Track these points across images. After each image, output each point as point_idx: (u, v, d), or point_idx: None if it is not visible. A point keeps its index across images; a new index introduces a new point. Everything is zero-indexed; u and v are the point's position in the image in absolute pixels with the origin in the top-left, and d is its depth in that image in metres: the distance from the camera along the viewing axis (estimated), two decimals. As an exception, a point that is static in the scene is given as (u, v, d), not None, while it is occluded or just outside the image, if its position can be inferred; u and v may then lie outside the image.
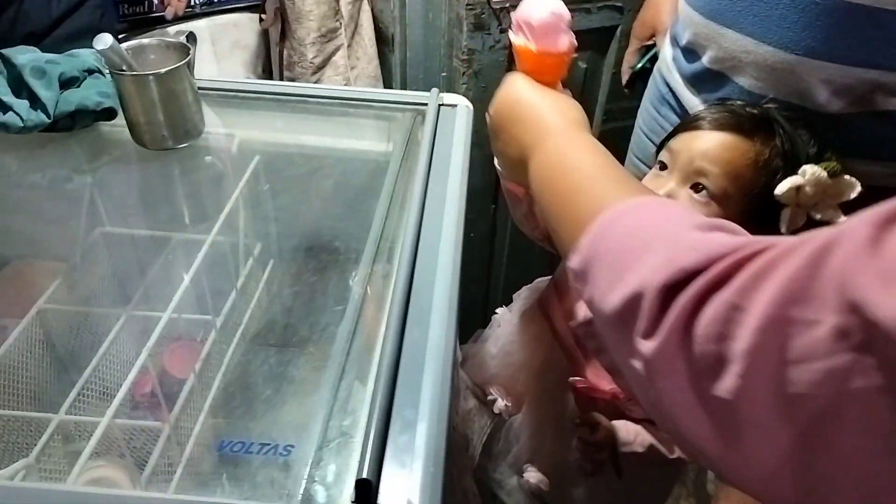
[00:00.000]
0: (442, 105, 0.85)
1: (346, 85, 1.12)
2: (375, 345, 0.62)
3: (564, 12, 0.54)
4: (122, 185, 0.91)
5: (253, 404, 0.76)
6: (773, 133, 0.64)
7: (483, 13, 0.99)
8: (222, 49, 1.51)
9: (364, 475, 0.41)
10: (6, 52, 0.74)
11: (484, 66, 1.05)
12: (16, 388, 0.77)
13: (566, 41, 0.54)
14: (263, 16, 1.26)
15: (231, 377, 0.79)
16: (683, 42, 0.81)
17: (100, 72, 0.82)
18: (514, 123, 0.52)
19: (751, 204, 0.63)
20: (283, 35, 1.13)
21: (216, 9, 1.48)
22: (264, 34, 1.52)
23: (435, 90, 0.85)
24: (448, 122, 0.83)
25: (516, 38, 0.55)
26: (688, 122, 0.68)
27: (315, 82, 1.12)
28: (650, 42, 1.04)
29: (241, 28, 1.52)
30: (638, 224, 0.37)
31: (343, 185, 0.90)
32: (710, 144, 0.63)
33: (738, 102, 0.68)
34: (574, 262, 0.39)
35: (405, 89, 1.22)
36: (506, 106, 0.54)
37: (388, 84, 1.23)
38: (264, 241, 0.94)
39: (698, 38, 0.76)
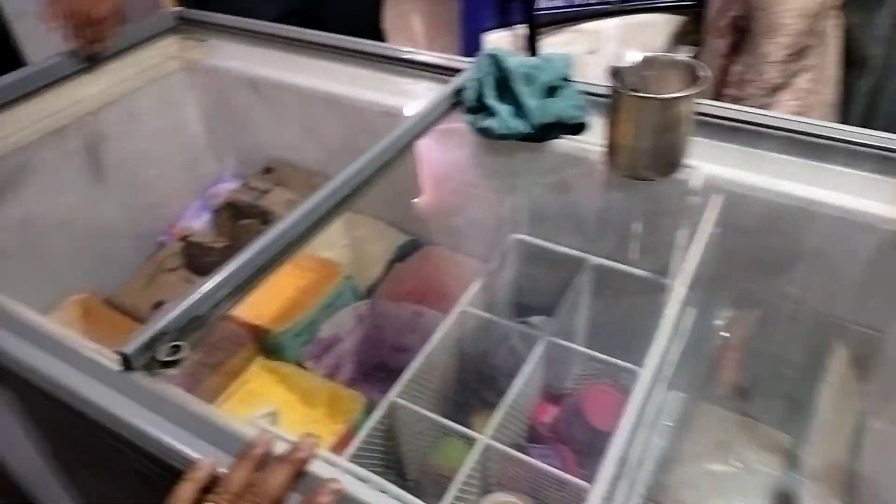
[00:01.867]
0: None
1: (801, 112, 0.94)
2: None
3: None
4: (558, 198, 0.86)
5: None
6: None
7: None
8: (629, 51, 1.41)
9: None
10: (498, 53, 0.73)
11: None
12: (429, 388, 0.78)
13: None
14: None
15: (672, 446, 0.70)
16: None
17: (568, 79, 0.77)
18: None
19: None
20: (736, 48, 0.99)
21: (635, 5, 1.39)
22: (677, 37, 1.39)
23: None
24: None
25: None
26: None
27: (762, 105, 0.96)
28: None
29: (655, 30, 1.41)
30: None
31: (822, 250, 0.73)
32: None
33: None
34: None
35: (868, 123, 0.98)
36: None
37: (844, 116, 1.01)
38: (692, 287, 0.83)
39: None
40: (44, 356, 0.51)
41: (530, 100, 0.69)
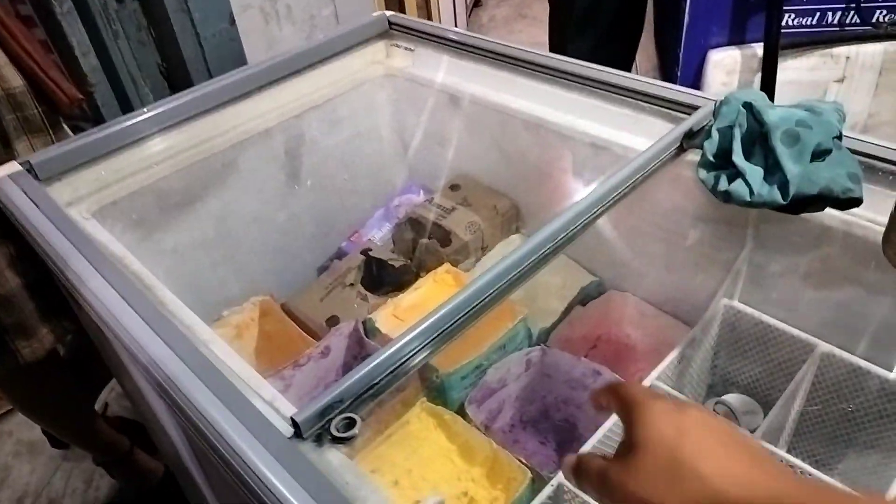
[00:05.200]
0: None
1: None
2: None
3: None
4: (795, 270, 0.71)
5: None
6: None
7: None
8: (889, 82, 1.18)
9: None
10: (755, 101, 0.59)
11: None
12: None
13: None
14: None
15: None
16: None
17: (841, 138, 0.62)
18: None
19: None
20: None
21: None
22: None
23: None
24: None
25: None
26: None
27: None
28: None
29: (928, 59, 1.15)
30: None
31: None
32: None
33: None
34: None
35: None
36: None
37: None
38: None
39: None
40: (208, 393, 0.48)
41: (792, 164, 0.56)
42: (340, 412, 0.45)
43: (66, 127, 0.90)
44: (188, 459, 0.71)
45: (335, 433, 0.44)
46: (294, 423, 0.44)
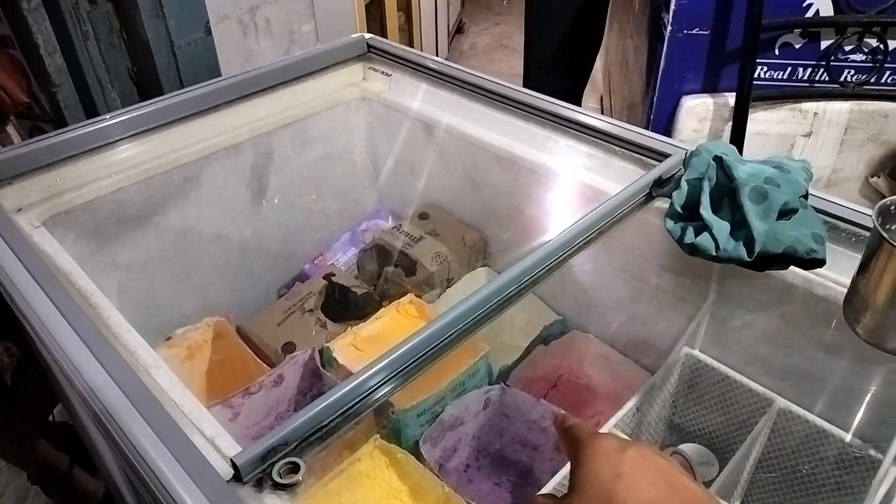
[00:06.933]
0: None
1: None
2: None
3: None
4: (756, 324, 0.72)
5: None
6: None
7: None
8: (853, 140, 1.21)
9: None
10: (725, 156, 0.59)
11: None
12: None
13: None
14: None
15: None
16: None
17: (807, 196, 0.62)
18: None
19: None
20: None
21: (877, 90, 1.18)
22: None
23: None
24: None
25: None
26: None
27: None
28: None
29: (891, 122, 1.19)
30: None
31: None
32: None
33: None
34: None
35: None
36: None
37: None
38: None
39: None
40: (145, 426, 0.45)
41: (759, 222, 0.56)
42: (284, 455, 0.43)
43: (9, 130, 0.86)
44: (125, 490, 0.68)
45: (276, 479, 0.41)
46: (234, 466, 0.42)
